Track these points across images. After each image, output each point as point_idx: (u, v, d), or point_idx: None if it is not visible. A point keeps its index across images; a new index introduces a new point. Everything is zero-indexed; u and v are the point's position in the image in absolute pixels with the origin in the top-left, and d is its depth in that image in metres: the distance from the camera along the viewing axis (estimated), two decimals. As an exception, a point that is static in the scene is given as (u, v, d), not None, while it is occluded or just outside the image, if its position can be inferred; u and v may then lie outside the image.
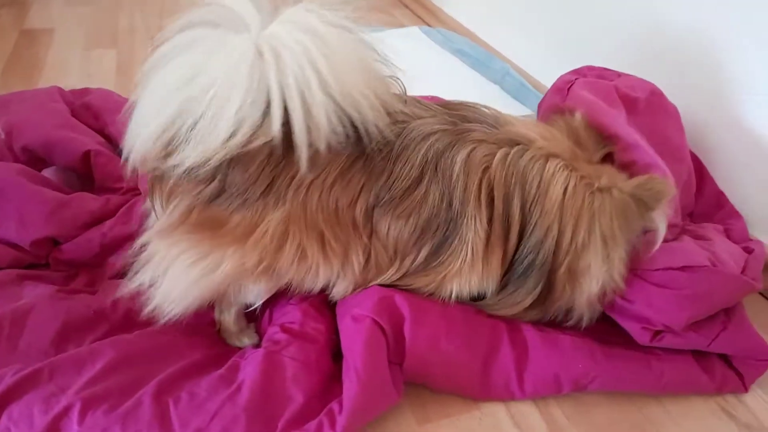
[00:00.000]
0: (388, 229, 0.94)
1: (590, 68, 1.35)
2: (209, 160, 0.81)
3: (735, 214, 1.31)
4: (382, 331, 0.96)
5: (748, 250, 1.14)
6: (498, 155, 0.94)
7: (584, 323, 1.03)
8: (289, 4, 0.87)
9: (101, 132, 1.44)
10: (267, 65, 0.81)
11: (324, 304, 1.05)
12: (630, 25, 1.57)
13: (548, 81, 1.33)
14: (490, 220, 0.94)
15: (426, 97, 1.22)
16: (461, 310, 1.02)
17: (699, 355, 1.05)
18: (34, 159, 1.32)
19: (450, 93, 1.40)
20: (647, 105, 1.24)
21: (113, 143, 1.40)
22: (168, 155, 0.84)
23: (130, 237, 0.99)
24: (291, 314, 1.03)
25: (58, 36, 2.34)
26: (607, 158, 1.05)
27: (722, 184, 1.35)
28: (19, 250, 1.15)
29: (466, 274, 0.97)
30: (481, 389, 1.01)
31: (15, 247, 1.15)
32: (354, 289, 1.01)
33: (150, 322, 0.96)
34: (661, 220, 0.96)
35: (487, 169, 0.94)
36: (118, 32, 2.40)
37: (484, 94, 1.87)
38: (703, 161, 1.37)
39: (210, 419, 0.87)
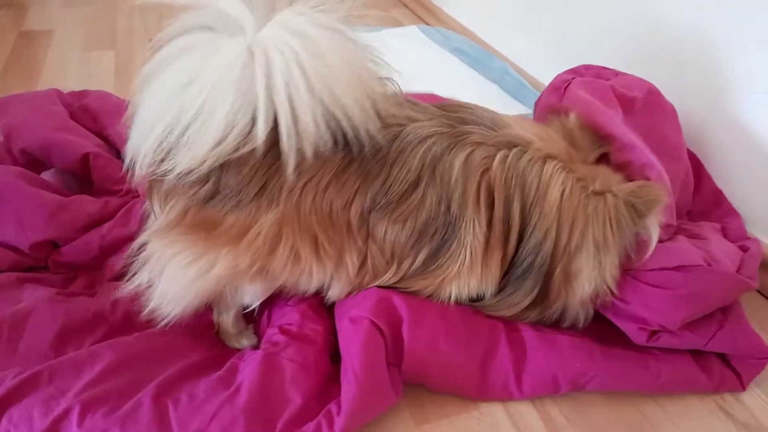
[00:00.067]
0: (385, 232, 0.95)
1: (587, 67, 1.35)
2: (200, 165, 0.82)
3: (732, 213, 1.31)
4: (380, 332, 0.97)
5: (744, 249, 1.14)
6: (497, 157, 0.94)
7: (580, 323, 1.04)
8: (285, 5, 0.88)
9: (100, 134, 1.44)
10: (257, 69, 0.81)
11: (322, 305, 1.06)
12: (629, 24, 1.57)
13: (547, 80, 1.33)
14: (489, 223, 0.95)
15: (424, 95, 1.22)
16: (459, 311, 1.02)
17: (696, 355, 1.05)
18: (33, 161, 1.33)
19: (449, 92, 1.40)
20: (644, 104, 1.24)
21: (112, 146, 1.40)
22: (162, 160, 0.84)
23: (129, 239, 0.99)
24: (289, 316, 1.03)
25: (57, 37, 2.35)
26: (603, 158, 1.05)
27: (720, 183, 1.35)
28: (19, 253, 1.15)
29: (465, 276, 0.97)
30: (479, 390, 1.01)
31: (14, 250, 1.15)
32: (350, 292, 1.01)
33: (149, 324, 0.97)
34: (654, 228, 0.96)
35: (485, 171, 0.94)
36: (117, 33, 2.41)
37: (483, 93, 1.87)
38: (701, 160, 1.37)
39: (209, 421, 0.87)
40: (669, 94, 1.29)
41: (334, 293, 1.01)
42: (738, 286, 1.05)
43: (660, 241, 1.00)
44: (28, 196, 1.18)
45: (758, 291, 1.28)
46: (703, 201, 1.35)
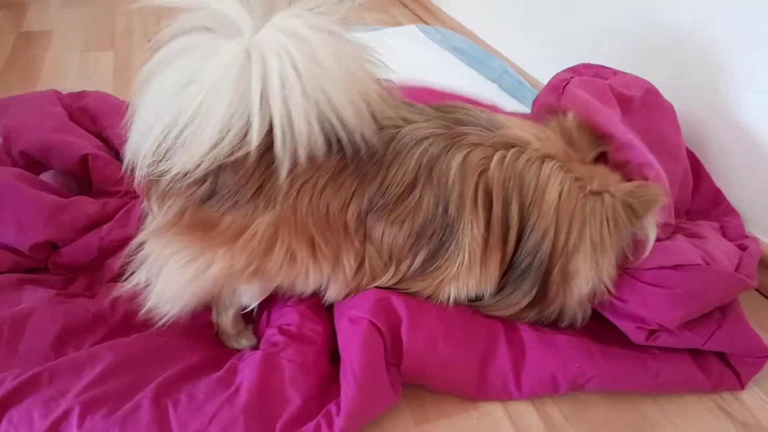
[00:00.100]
0: (383, 234, 0.95)
1: (586, 66, 1.35)
2: (195, 168, 0.82)
3: (731, 212, 1.31)
4: (380, 332, 0.97)
5: (743, 248, 1.14)
6: (495, 158, 0.94)
7: (578, 323, 1.04)
8: (284, 6, 0.88)
9: (99, 135, 1.44)
10: (253, 72, 0.81)
11: (321, 305, 1.06)
12: (628, 24, 1.57)
13: (546, 79, 1.33)
14: (487, 224, 0.95)
15: (418, 87, 1.22)
16: (458, 311, 1.02)
17: (695, 354, 1.05)
18: (32, 163, 1.33)
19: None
20: (642, 103, 1.24)
21: (111, 147, 1.40)
22: (159, 160, 0.84)
23: (129, 240, 0.99)
24: (288, 316, 1.03)
25: (56, 38, 2.35)
26: (601, 157, 1.05)
27: (720, 183, 1.35)
28: (18, 254, 1.15)
29: (464, 277, 0.97)
30: (478, 390, 1.01)
31: (14, 252, 1.15)
32: (347, 294, 1.01)
33: (148, 324, 0.97)
34: (651, 228, 0.96)
35: (483, 172, 0.94)
36: (116, 34, 2.41)
37: (481, 92, 1.86)
38: (700, 159, 1.37)
39: (209, 421, 0.87)
40: (668, 94, 1.29)
41: (331, 295, 1.01)
42: (736, 284, 1.05)
43: (658, 239, 1.00)
44: (27, 198, 1.18)
45: (757, 290, 1.28)
46: (702, 200, 1.35)
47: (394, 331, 0.98)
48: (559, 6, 1.86)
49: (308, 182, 0.89)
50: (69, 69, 2.11)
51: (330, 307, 1.05)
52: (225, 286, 0.96)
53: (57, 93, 1.55)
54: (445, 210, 0.94)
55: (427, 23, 2.51)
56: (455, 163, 0.93)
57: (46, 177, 1.34)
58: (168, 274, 0.92)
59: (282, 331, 1.01)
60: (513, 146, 0.96)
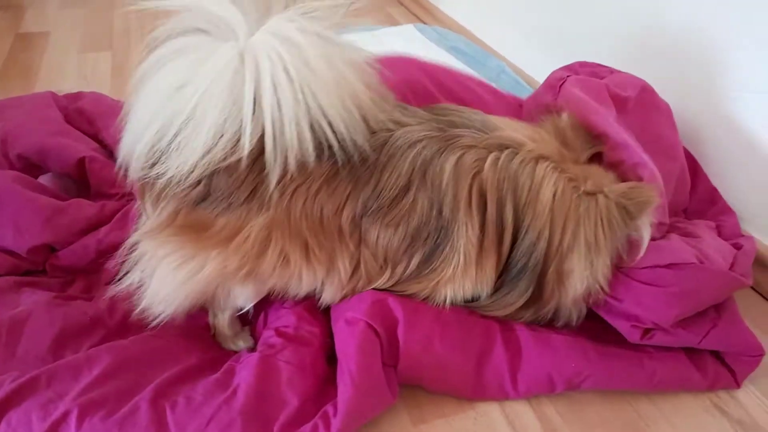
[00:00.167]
0: (377, 237, 0.95)
1: (582, 64, 1.35)
2: (189, 174, 0.82)
3: (728, 211, 1.31)
4: (376, 334, 0.97)
5: (738, 247, 1.14)
6: (489, 160, 0.94)
7: (573, 322, 1.04)
8: (280, 9, 0.88)
9: (95, 137, 1.44)
10: (247, 76, 0.81)
11: (318, 307, 1.06)
12: (626, 23, 1.57)
13: (543, 79, 1.33)
14: (482, 226, 0.95)
15: (399, 57, 1.22)
16: (454, 311, 1.03)
17: (691, 353, 1.06)
18: (30, 166, 1.33)
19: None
20: (638, 103, 1.24)
21: (108, 149, 1.40)
22: (153, 163, 0.85)
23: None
24: (285, 318, 1.04)
25: (54, 39, 2.35)
26: (596, 157, 1.05)
27: (716, 181, 1.36)
28: (16, 257, 1.15)
29: (460, 279, 0.98)
30: (475, 390, 1.01)
31: (12, 255, 1.15)
32: (343, 297, 1.02)
33: (146, 326, 0.97)
34: (645, 229, 0.97)
35: (477, 174, 0.94)
36: (114, 35, 2.41)
37: (479, 92, 1.87)
38: (697, 158, 1.37)
39: (206, 423, 0.88)
40: (665, 93, 1.29)
41: (327, 297, 1.01)
42: (730, 283, 1.05)
43: (652, 238, 1.00)
44: (25, 200, 1.18)
45: (754, 289, 1.28)
46: (698, 199, 1.35)
47: (390, 333, 0.98)
48: (558, 6, 1.86)
49: (302, 186, 0.89)
50: (67, 70, 2.12)
51: (327, 309, 1.06)
52: (219, 288, 0.96)
53: (53, 95, 1.55)
54: (440, 212, 0.94)
55: (424, 23, 2.51)
56: (449, 166, 0.93)
57: (44, 179, 1.34)
58: (161, 275, 0.92)
59: (279, 333, 1.01)
60: (507, 147, 0.96)
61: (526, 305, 1.00)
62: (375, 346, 0.97)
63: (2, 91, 1.89)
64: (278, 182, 0.86)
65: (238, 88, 0.81)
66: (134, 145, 0.86)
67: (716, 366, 1.06)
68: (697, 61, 1.36)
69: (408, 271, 0.98)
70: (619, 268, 1.01)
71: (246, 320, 1.11)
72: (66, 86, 1.75)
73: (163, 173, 0.83)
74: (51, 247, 1.18)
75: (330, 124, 0.84)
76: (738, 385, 1.06)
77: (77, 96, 1.58)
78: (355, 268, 0.98)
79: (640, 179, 1.03)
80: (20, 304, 1.05)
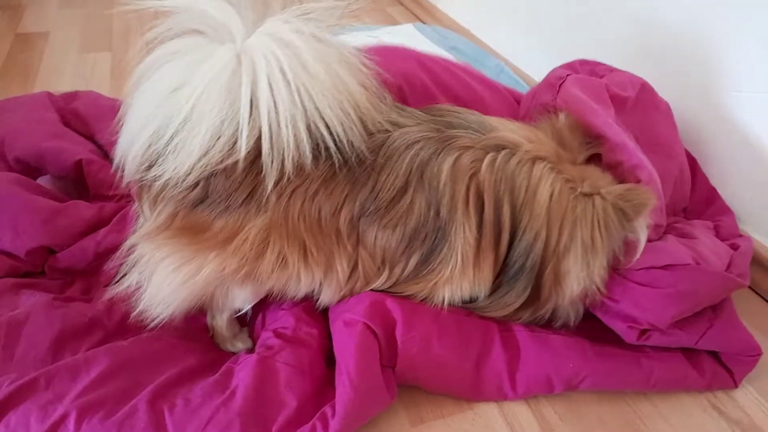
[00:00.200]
0: (375, 238, 0.95)
1: (582, 62, 1.35)
2: (186, 176, 0.83)
3: (725, 210, 1.32)
4: (374, 335, 0.97)
5: (734, 247, 1.14)
6: (486, 161, 0.94)
7: (571, 322, 1.04)
8: (278, 10, 0.88)
9: (92, 138, 1.44)
10: (243, 78, 0.81)
11: (316, 308, 1.06)
12: (626, 23, 1.57)
13: (542, 78, 1.33)
14: (479, 226, 0.95)
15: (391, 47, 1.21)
16: (453, 312, 1.03)
17: (689, 353, 1.06)
18: (29, 169, 1.33)
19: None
20: (637, 102, 1.24)
21: (104, 150, 1.40)
22: (150, 166, 0.85)
23: (124, 244, 1.00)
24: (283, 319, 1.04)
25: (53, 39, 2.35)
26: (594, 158, 1.05)
27: (714, 181, 1.36)
28: (15, 259, 1.15)
29: (457, 280, 0.98)
30: (473, 391, 1.02)
31: (11, 256, 1.15)
32: (341, 298, 1.02)
33: (145, 328, 0.97)
34: (642, 231, 0.97)
35: (474, 175, 0.94)
36: (113, 35, 2.41)
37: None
38: (695, 158, 1.37)
39: (205, 425, 0.88)
40: (665, 92, 1.29)
41: (325, 298, 1.01)
42: (726, 284, 1.06)
43: (649, 240, 1.00)
44: (24, 202, 1.18)
45: (752, 289, 1.28)
46: (697, 198, 1.35)
47: (389, 334, 0.98)
48: (557, 5, 1.85)
49: (300, 187, 0.90)
50: (66, 70, 2.12)
51: (325, 310, 1.06)
52: (217, 290, 0.96)
53: (49, 95, 1.54)
54: (437, 213, 0.94)
55: (424, 22, 2.51)
56: (446, 167, 0.93)
57: (43, 181, 1.34)
58: (159, 278, 0.92)
59: (277, 335, 1.01)
60: (504, 148, 0.96)
61: (523, 306, 1.00)
62: (373, 347, 0.97)
63: (2, 92, 1.89)
64: (275, 184, 0.86)
65: (234, 90, 0.81)
66: (131, 146, 0.86)
67: (714, 366, 1.06)
68: (697, 61, 1.36)
69: (406, 272, 0.98)
70: (615, 270, 1.01)
71: (244, 321, 1.11)
72: (65, 87, 1.75)
73: (159, 175, 0.83)
74: (50, 249, 1.18)
75: (327, 126, 0.85)
76: (736, 385, 1.06)
77: (73, 96, 1.58)
78: (353, 269, 0.98)
79: (638, 181, 1.03)
80: (19, 306, 1.05)
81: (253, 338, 1.08)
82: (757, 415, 1.02)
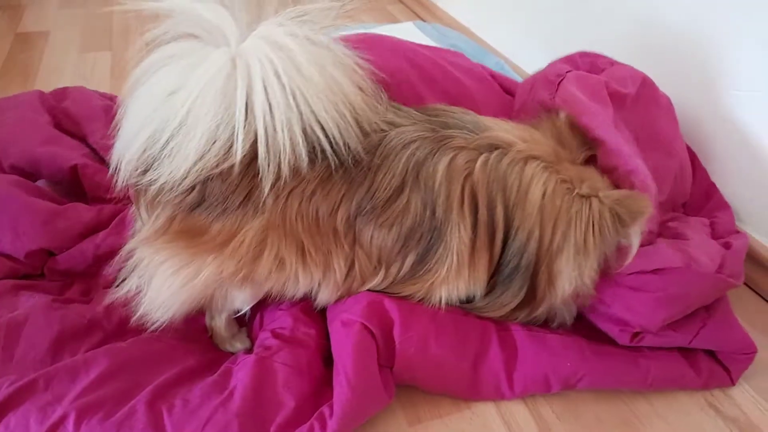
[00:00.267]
0: (371, 238, 0.95)
1: (582, 54, 1.35)
2: (182, 180, 0.83)
3: (723, 206, 1.32)
4: (372, 335, 0.98)
5: (727, 246, 1.14)
6: (479, 161, 0.94)
7: (567, 322, 1.05)
8: (270, 14, 0.88)
9: (84, 140, 1.44)
10: (239, 82, 0.82)
11: (314, 309, 1.07)
12: (626, 20, 1.57)
13: (542, 75, 1.33)
14: (474, 227, 0.95)
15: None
16: (450, 312, 1.03)
17: (686, 351, 1.06)
18: (24, 175, 1.33)
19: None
20: (638, 98, 1.24)
21: (97, 152, 1.40)
22: (145, 171, 0.85)
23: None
24: (281, 320, 1.04)
25: (53, 39, 2.35)
26: (592, 159, 1.05)
27: (713, 180, 1.36)
28: (15, 260, 1.16)
29: (453, 280, 0.98)
30: (471, 390, 1.02)
31: (10, 258, 1.16)
32: (339, 297, 1.02)
33: (143, 329, 0.98)
34: (635, 237, 0.96)
35: (469, 176, 0.94)
36: (113, 34, 2.41)
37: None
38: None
39: (203, 425, 0.88)
40: (665, 91, 1.29)
41: (323, 298, 1.02)
42: (717, 285, 1.06)
43: (640, 244, 1.00)
44: (23, 205, 1.19)
45: (750, 287, 1.28)
46: (695, 194, 1.35)
47: (386, 334, 0.99)
48: (557, 4, 1.85)
49: (297, 188, 0.90)
50: (66, 70, 2.12)
51: (323, 310, 1.06)
52: (217, 291, 0.97)
53: (40, 95, 1.54)
54: (433, 213, 0.94)
55: (424, 20, 2.51)
56: (441, 167, 0.93)
57: (43, 183, 1.35)
58: (158, 282, 0.92)
59: (275, 335, 1.02)
60: (496, 148, 0.96)
61: (520, 306, 1.00)
62: (371, 347, 0.97)
63: (2, 92, 1.89)
64: (272, 187, 0.86)
65: (230, 94, 0.81)
66: (126, 151, 0.86)
67: (711, 364, 1.06)
68: (697, 61, 1.36)
69: (402, 272, 0.99)
70: (606, 274, 1.02)
71: (243, 322, 1.11)
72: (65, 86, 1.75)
73: (155, 180, 0.84)
74: (49, 251, 1.18)
75: (323, 129, 0.85)
76: (733, 382, 1.06)
77: (63, 94, 1.57)
78: (350, 269, 0.98)
79: (632, 187, 1.02)
80: (18, 308, 1.05)
81: (252, 338, 1.08)
82: (754, 413, 1.03)
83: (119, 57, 2.21)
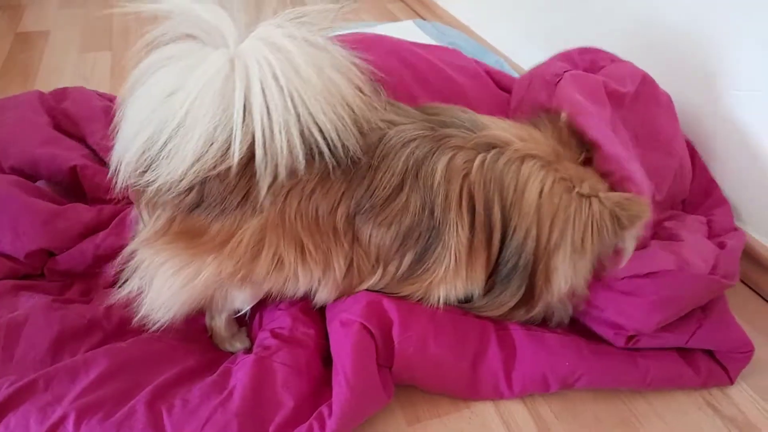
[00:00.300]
0: (370, 236, 0.95)
1: (582, 51, 1.35)
2: (179, 182, 0.83)
3: (722, 203, 1.32)
4: (371, 335, 0.98)
5: (722, 246, 1.14)
6: (476, 161, 0.94)
7: (564, 321, 1.05)
8: (269, 15, 0.88)
9: (83, 140, 1.44)
10: (237, 83, 0.82)
11: (313, 308, 1.07)
12: (626, 19, 1.57)
13: (541, 75, 1.33)
14: (472, 226, 0.95)
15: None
16: (449, 312, 1.03)
17: (684, 351, 1.06)
18: (24, 176, 1.32)
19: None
20: (637, 96, 1.24)
21: (97, 153, 1.40)
22: (144, 172, 0.86)
23: (123, 248, 1.00)
24: (281, 319, 1.05)
25: (53, 39, 2.35)
26: (590, 160, 1.05)
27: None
28: (15, 261, 1.16)
29: (451, 279, 0.98)
30: (469, 390, 1.02)
31: (10, 259, 1.16)
32: (338, 296, 1.02)
33: (143, 329, 0.98)
34: (631, 240, 0.96)
35: (467, 175, 0.94)
36: (113, 34, 2.41)
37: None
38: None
39: (203, 425, 0.89)
40: (664, 89, 1.29)
41: (322, 297, 1.02)
42: (710, 286, 1.06)
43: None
44: (23, 205, 1.19)
45: (749, 286, 1.28)
46: (695, 190, 1.35)
47: (385, 333, 0.99)
48: (557, 3, 1.85)
49: (296, 187, 0.90)
50: (66, 70, 2.12)
51: (322, 310, 1.06)
52: (217, 291, 0.97)
53: (40, 95, 1.54)
54: (431, 212, 0.94)
55: (424, 19, 2.51)
56: (440, 166, 0.93)
57: (42, 183, 1.35)
58: (159, 283, 0.93)
59: (274, 335, 1.02)
60: (494, 147, 0.96)
61: (518, 305, 1.01)
62: (370, 347, 0.97)
63: (2, 92, 1.89)
64: (268, 189, 0.87)
65: (228, 95, 0.81)
66: (125, 152, 0.86)
67: (709, 364, 1.06)
68: (697, 61, 1.36)
69: (400, 271, 0.99)
70: (599, 278, 1.02)
71: (243, 321, 1.11)
72: (65, 86, 1.75)
73: (153, 181, 0.84)
74: (49, 252, 1.18)
75: (321, 131, 0.85)
76: (731, 381, 1.07)
77: (62, 94, 1.57)
78: (349, 267, 0.98)
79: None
80: (18, 308, 1.05)
81: (251, 338, 1.08)
82: (752, 413, 1.03)
83: (119, 57, 2.21)
